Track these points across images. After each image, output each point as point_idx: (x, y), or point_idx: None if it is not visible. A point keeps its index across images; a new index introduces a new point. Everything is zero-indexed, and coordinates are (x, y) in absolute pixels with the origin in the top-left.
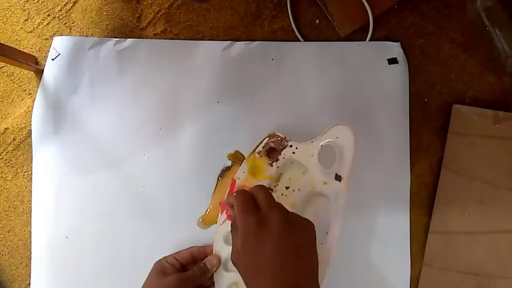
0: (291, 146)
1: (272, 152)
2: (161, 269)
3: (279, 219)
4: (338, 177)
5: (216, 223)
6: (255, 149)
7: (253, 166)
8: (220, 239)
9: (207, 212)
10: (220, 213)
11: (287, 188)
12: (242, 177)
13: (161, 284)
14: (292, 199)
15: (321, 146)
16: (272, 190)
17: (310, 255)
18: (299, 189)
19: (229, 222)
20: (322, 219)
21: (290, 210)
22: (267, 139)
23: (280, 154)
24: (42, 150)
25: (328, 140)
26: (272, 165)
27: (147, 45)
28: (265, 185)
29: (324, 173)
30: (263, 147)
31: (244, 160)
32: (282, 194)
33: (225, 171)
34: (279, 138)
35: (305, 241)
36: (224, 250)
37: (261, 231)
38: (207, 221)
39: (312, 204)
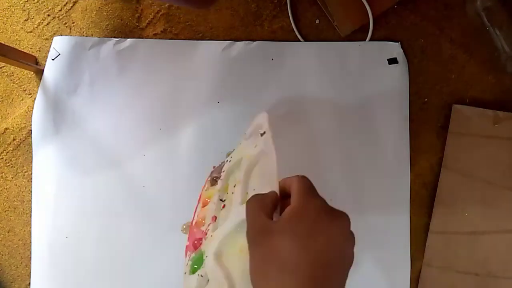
0: (228, 161)
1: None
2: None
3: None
4: (262, 134)
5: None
6: (202, 189)
7: (205, 198)
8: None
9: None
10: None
11: (234, 186)
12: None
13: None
14: (238, 177)
15: (245, 133)
16: (223, 200)
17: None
18: (239, 169)
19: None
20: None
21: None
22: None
23: (221, 173)
24: (42, 150)
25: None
26: (217, 183)
27: (147, 45)
28: (215, 199)
29: (252, 142)
30: (208, 181)
31: (197, 204)
32: (232, 193)
33: None
34: (220, 165)
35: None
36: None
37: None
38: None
39: (258, 170)
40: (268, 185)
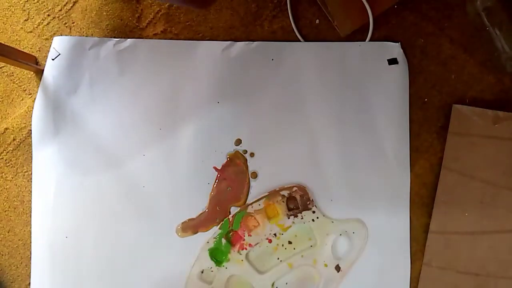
0: (313, 212)
1: (291, 201)
2: None
3: None
4: (338, 268)
5: (215, 225)
6: (280, 190)
7: (271, 207)
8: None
9: (206, 210)
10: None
11: (289, 243)
12: (256, 208)
13: None
14: (293, 260)
15: (340, 235)
16: (275, 235)
17: None
18: (302, 256)
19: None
20: (306, 286)
21: (288, 269)
22: (296, 188)
23: (301, 213)
24: (42, 150)
25: (346, 231)
26: (289, 218)
27: (147, 45)
28: (273, 230)
29: (330, 258)
30: (288, 193)
31: (265, 194)
32: (282, 246)
33: None
34: (307, 197)
35: None
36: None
37: None
38: (203, 226)
39: (303, 270)
40: None
